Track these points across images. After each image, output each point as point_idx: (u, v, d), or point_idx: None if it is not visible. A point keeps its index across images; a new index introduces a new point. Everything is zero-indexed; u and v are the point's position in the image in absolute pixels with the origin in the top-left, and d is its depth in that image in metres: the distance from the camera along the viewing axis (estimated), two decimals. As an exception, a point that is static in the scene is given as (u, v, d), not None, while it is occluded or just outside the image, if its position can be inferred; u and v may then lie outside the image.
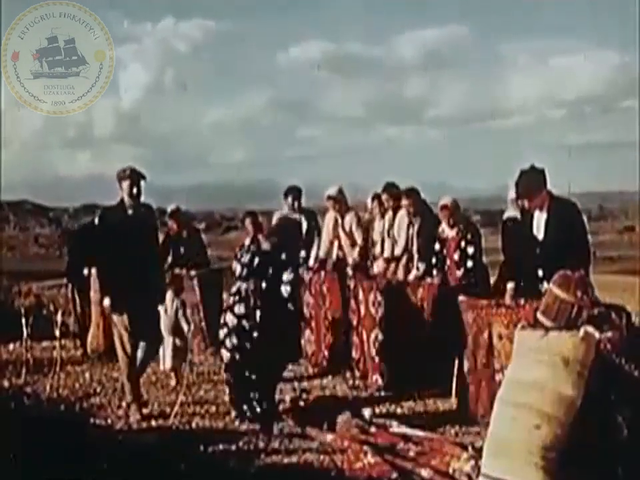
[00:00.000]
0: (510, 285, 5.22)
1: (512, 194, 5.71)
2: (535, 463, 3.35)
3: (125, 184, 5.46)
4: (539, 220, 5.11)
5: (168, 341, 6.35)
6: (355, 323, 6.65)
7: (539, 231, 5.11)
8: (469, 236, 6.04)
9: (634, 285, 12.44)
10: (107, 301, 5.49)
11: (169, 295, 6.32)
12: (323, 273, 7.21)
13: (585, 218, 5.26)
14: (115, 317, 5.51)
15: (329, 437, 4.86)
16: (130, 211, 5.52)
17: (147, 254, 5.53)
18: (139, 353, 5.59)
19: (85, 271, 8.04)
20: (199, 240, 8.65)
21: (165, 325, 6.28)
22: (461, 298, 5.48)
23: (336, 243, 7.27)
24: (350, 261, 7.07)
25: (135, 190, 5.48)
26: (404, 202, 6.61)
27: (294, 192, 7.52)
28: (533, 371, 3.52)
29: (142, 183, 5.53)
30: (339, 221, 7.22)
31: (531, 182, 5.05)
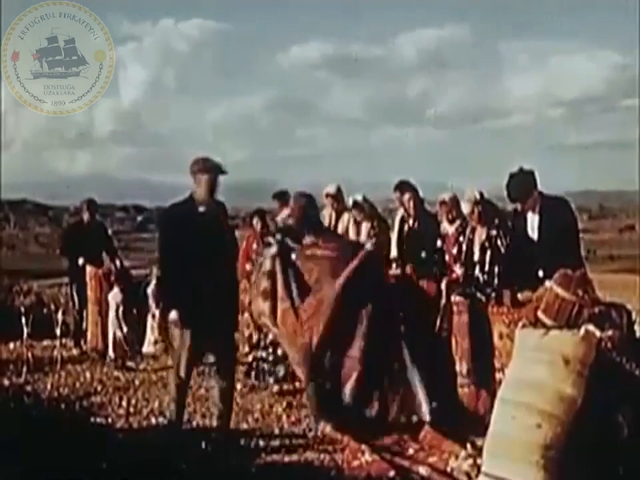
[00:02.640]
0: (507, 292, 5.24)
1: (466, 208, 5.70)
2: (536, 461, 3.36)
3: (204, 177, 4.70)
4: (532, 221, 5.17)
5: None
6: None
7: (533, 232, 5.15)
8: (467, 231, 6.04)
9: (634, 283, 12.44)
10: (174, 315, 4.60)
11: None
12: None
13: (579, 214, 5.33)
14: (175, 332, 4.69)
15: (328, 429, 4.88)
16: (202, 208, 4.76)
17: (223, 257, 4.80)
18: (214, 378, 4.91)
19: (80, 268, 8.06)
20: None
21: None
22: (457, 299, 5.47)
23: None
24: None
25: (213, 186, 4.74)
26: (404, 199, 6.59)
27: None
28: (533, 370, 3.52)
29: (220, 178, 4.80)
30: (334, 219, 7.21)
31: (522, 185, 5.08)
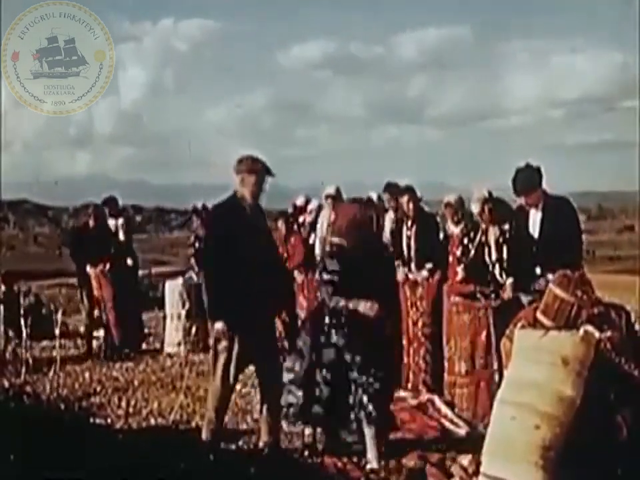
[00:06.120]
0: (509, 281, 5.28)
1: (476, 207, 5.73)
2: (535, 462, 3.36)
3: (251, 178, 4.41)
4: (535, 218, 5.21)
5: None
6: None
7: (534, 229, 5.19)
8: (472, 234, 6.06)
9: (634, 284, 12.43)
10: (220, 325, 4.30)
11: None
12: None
13: (579, 215, 5.39)
14: (221, 342, 4.37)
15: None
16: (248, 210, 4.46)
17: (270, 261, 4.54)
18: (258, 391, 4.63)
19: (88, 271, 8.10)
20: None
21: None
22: (456, 299, 5.47)
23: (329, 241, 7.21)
24: None
25: (261, 188, 4.46)
26: (403, 200, 6.59)
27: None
28: (532, 371, 3.52)
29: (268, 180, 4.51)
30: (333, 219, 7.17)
31: (527, 180, 5.12)
